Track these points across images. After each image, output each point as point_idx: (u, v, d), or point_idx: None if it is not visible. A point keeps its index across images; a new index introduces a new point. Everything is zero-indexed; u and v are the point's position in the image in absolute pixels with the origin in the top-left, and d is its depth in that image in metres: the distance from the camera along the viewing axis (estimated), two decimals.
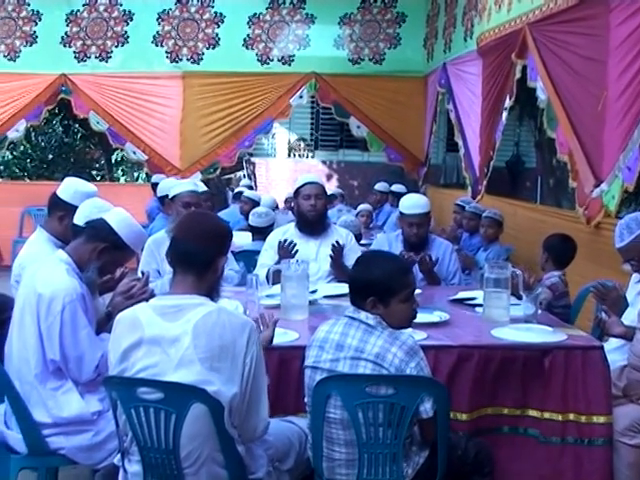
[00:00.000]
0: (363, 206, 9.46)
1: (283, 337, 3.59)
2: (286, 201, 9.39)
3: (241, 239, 7.01)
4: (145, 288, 3.64)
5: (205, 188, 7.60)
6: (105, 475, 3.44)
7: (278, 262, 4.82)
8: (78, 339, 3.36)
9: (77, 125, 16.11)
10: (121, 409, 2.80)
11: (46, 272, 3.48)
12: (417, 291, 4.47)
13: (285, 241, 5.10)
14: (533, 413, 3.64)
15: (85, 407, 3.40)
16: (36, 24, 10.52)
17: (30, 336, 3.39)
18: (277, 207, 8.91)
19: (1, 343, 5.04)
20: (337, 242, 5.06)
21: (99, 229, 3.60)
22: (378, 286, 3.04)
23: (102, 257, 3.57)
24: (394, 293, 3.04)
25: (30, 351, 3.39)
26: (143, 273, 3.95)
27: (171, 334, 2.72)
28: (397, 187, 10.22)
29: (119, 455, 2.97)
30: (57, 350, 3.35)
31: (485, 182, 8.03)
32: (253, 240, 6.68)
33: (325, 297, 4.51)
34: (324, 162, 15.26)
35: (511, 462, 3.58)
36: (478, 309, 4.29)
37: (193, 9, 10.51)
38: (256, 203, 8.39)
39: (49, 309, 3.35)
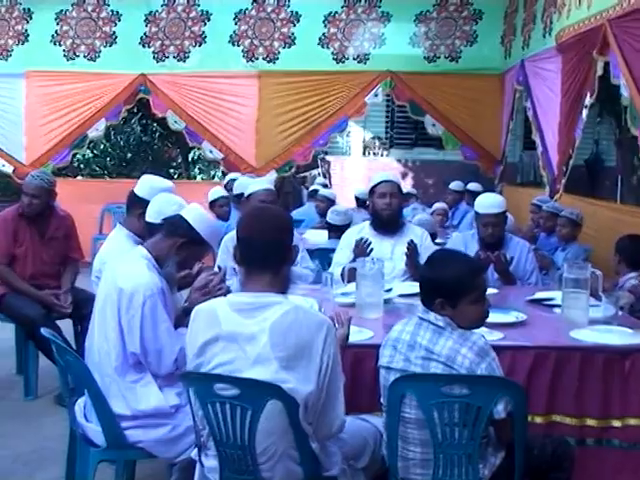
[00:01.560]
0: (438, 204, 9.41)
1: (358, 335, 3.59)
2: (356, 199, 9.38)
3: (316, 237, 7.05)
4: (222, 285, 3.69)
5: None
6: (182, 469, 3.49)
7: (353, 260, 4.82)
8: (158, 333, 3.42)
9: (155, 124, 16.35)
10: (198, 404, 2.83)
11: (127, 267, 3.55)
12: (493, 291, 4.48)
13: (361, 239, 5.10)
14: (616, 423, 3.54)
15: (163, 400, 3.46)
16: (115, 24, 10.70)
17: (111, 330, 3.46)
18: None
19: (82, 337, 5.17)
20: (412, 241, 5.04)
21: (177, 225, 3.66)
22: (445, 288, 2.99)
23: (181, 252, 3.64)
24: (462, 295, 2.99)
25: (110, 344, 3.46)
26: (220, 268, 3.99)
27: (248, 331, 2.73)
28: (473, 186, 10.13)
29: (196, 449, 3.00)
30: (137, 343, 3.41)
31: (564, 181, 7.89)
32: (329, 238, 6.70)
33: (400, 296, 4.49)
34: (399, 160, 15.20)
35: (595, 475, 3.50)
36: (556, 310, 4.23)
37: (269, 8, 10.55)
38: (332, 202, 8.43)
39: (130, 303, 3.41)
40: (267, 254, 2.83)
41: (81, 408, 3.59)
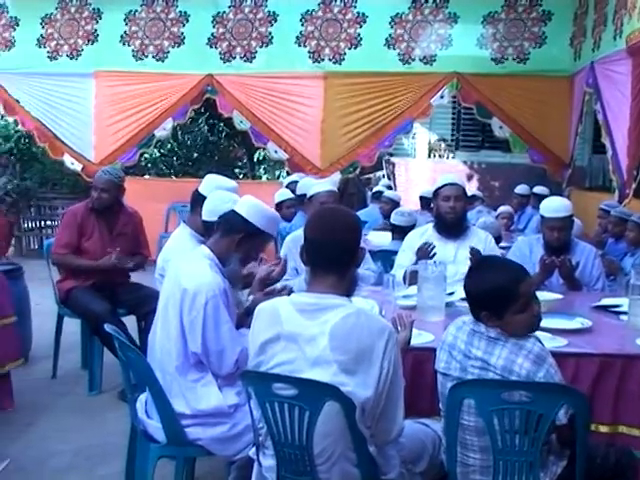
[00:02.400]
0: (503, 208, 9.29)
1: (419, 338, 3.56)
2: (421, 199, 9.33)
3: (379, 239, 7.02)
4: (285, 285, 3.68)
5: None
6: (240, 467, 3.50)
7: (416, 263, 4.79)
8: (220, 333, 3.44)
9: (221, 124, 16.47)
10: (256, 403, 2.84)
11: (190, 267, 3.58)
12: (558, 296, 4.40)
13: (424, 242, 5.06)
14: None
15: (223, 400, 3.48)
16: (184, 25, 10.83)
17: (173, 329, 3.48)
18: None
19: (146, 334, 5.23)
20: (474, 247, 4.97)
21: (232, 221, 3.66)
22: (487, 301, 2.93)
23: (241, 248, 3.64)
24: (506, 306, 2.90)
25: (172, 343, 3.49)
26: (279, 259, 4.00)
27: (309, 332, 2.72)
28: (539, 189, 9.98)
29: (254, 448, 3.01)
30: (199, 343, 3.43)
31: (634, 185, 7.74)
32: (393, 239, 6.68)
33: (462, 299, 4.43)
34: (465, 163, 15.04)
35: None
36: (622, 317, 4.14)
37: (336, 9, 10.56)
38: (396, 203, 8.40)
39: (193, 303, 3.43)
40: (334, 255, 2.81)
41: (142, 404, 3.64)
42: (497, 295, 2.91)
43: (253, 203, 3.73)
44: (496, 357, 2.89)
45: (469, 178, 14.75)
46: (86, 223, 5.85)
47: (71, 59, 11.05)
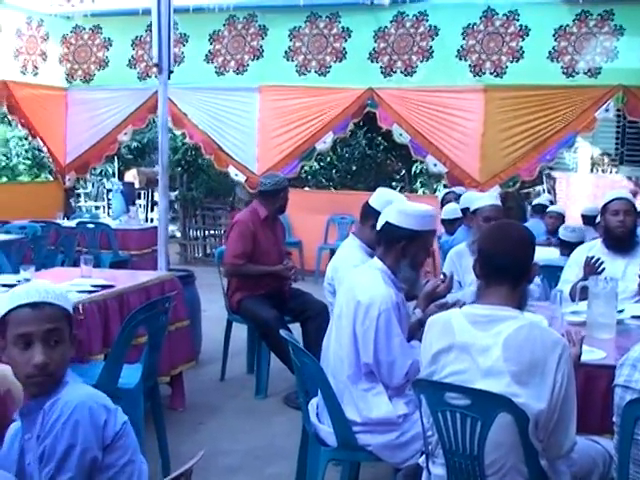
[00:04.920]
0: None
1: (589, 355, 3.52)
2: (583, 217, 9.09)
3: (542, 253, 6.94)
4: (458, 299, 3.71)
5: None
6: (407, 475, 3.53)
7: (583, 279, 4.72)
8: (391, 345, 3.51)
9: (379, 137, 16.61)
10: (428, 411, 2.89)
11: (364, 279, 3.67)
12: None
13: (592, 258, 4.98)
14: None
15: (392, 411, 3.54)
16: (346, 40, 11.03)
17: (346, 338, 3.58)
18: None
19: (307, 339, 5.39)
20: None
21: (387, 232, 3.72)
22: None
23: (407, 254, 3.69)
24: None
25: (345, 352, 3.59)
26: (445, 275, 4.04)
27: (481, 343, 2.76)
28: None
29: (423, 456, 3.06)
30: (371, 354, 3.51)
31: None
32: (561, 254, 6.59)
33: (633, 317, 4.36)
34: (629, 178, 14.59)
35: None
36: None
37: (498, 23, 10.48)
38: (563, 218, 8.25)
39: (366, 315, 3.52)
40: (508, 269, 2.84)
41: (314, 408, 3.75)
42: None
43: (399, 208, 3.75)
44: None
45: (634, 194, 14.26)
46: (259, 231, 6.08)
47: (237, 74, 11.47)
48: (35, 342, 2.32)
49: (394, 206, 3.81)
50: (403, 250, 3.68)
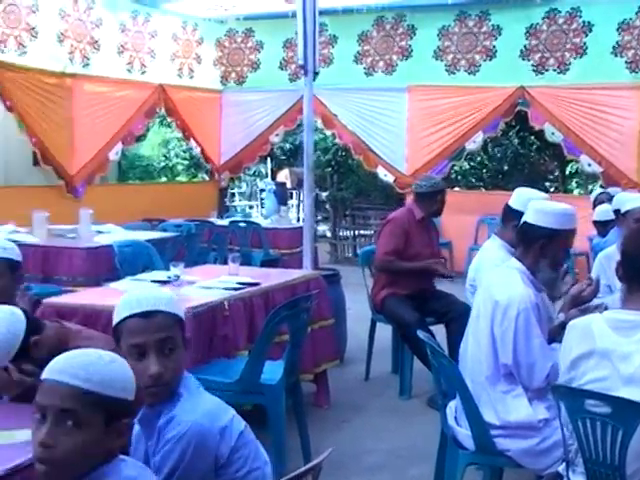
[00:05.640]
0: None
1: None
2: None
3: None
4: (601, 303, 3.61)
5: None
6: None
7: None
8: (531, 347, 3.44)
9: (532, 137, 16.28)
10: (568, 418, 2.82)
11: (502, 279, 3.62)
12: None
13: None
14: None
15: (532, 414, 3.47)
16: (496, 38, 10.91)
17: (484, 339, 3.54)
18: None
19: (451, 340, 5.36)
20: None
21: (527, 231, 3.65)
22: None
23: (546, 253, 3.61)
24: None
25: (483, 353, 3.55)
26: (591, 279, 3.93)
27: (623, 349, 2.67)
28: None
29: (564, 464, 2.99)
30: (510, 355, 3.46)
31: None
32: None
33: None
34: None
35: None
36: None
37: None
38: None
39: (504, 315, 3.47)
40: None
41: (452, 411, 3.73)
42: None
43: (538, 208, 3.67)
44: None
45: None
46: (412, 231, 6.11)
47: (386, 74, 11.53)
48: (149, 352, 2.33)
49: (532, 205, 3.74)
50: (542, 250, 3.61)
